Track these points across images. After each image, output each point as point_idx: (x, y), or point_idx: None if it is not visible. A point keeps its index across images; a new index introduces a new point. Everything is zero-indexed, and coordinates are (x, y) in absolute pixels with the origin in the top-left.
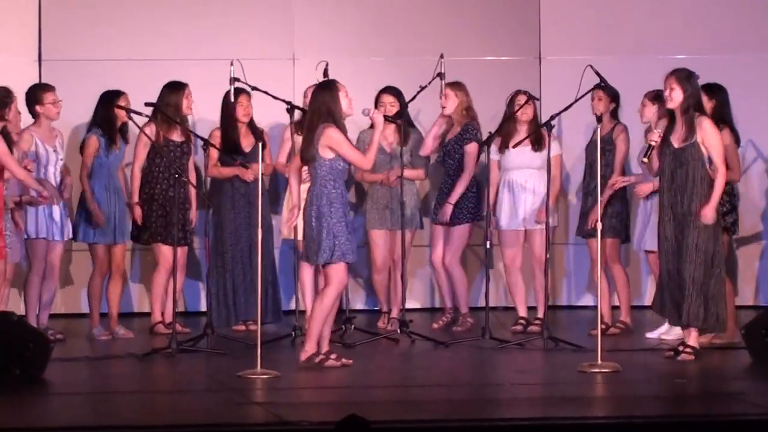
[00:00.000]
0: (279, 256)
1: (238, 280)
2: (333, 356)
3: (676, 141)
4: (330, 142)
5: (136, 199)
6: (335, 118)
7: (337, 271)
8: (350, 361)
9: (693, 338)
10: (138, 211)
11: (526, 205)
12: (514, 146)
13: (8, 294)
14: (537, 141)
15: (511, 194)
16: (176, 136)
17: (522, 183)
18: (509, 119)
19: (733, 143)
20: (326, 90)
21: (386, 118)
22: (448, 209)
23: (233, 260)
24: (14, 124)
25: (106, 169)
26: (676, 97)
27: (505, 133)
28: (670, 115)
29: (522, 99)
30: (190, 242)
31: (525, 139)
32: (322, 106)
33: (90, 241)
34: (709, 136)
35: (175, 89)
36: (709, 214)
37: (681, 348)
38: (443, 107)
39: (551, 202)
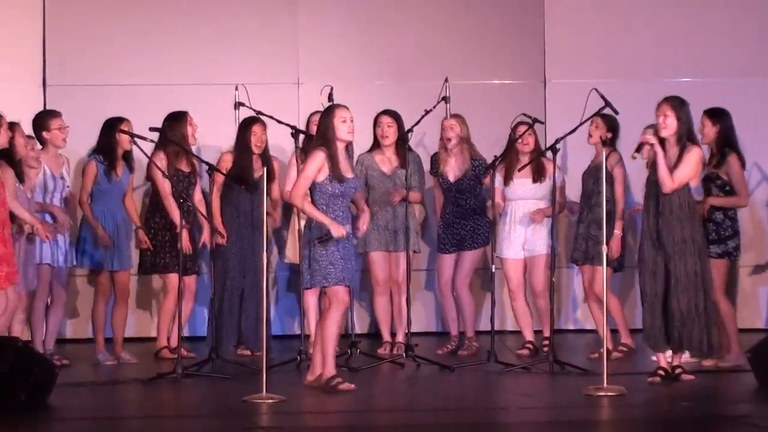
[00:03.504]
0: (283, 280)
1: (237, 306)
2: (338, 379)
3: None
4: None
5: (178, 223)
6: (325, 142)
7: (336, 292)
8: (352, 386)
9: (679, 357)
10: (185, 238)
11: (526, 235)
12: (519, 170)
13: (24, 320)
14: (538, 172)
15: (512, 224)
16: (184, 166)
17: (523, 213)
18: (511, 150)
19: (740, 168)
20: (324, 114)
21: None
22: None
23: (233, 286)
24: (2, 143)
25: (107, 196)
26: (670, 125)
27: (508, 163)
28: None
29: (522, 130)
30: (200, 271)
31: (526, 166)
32: (318, 130)
33: (91, 267)
34: (687, 160)
35: (176, 120)
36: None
37: (678, 371)
38: (448, 139)
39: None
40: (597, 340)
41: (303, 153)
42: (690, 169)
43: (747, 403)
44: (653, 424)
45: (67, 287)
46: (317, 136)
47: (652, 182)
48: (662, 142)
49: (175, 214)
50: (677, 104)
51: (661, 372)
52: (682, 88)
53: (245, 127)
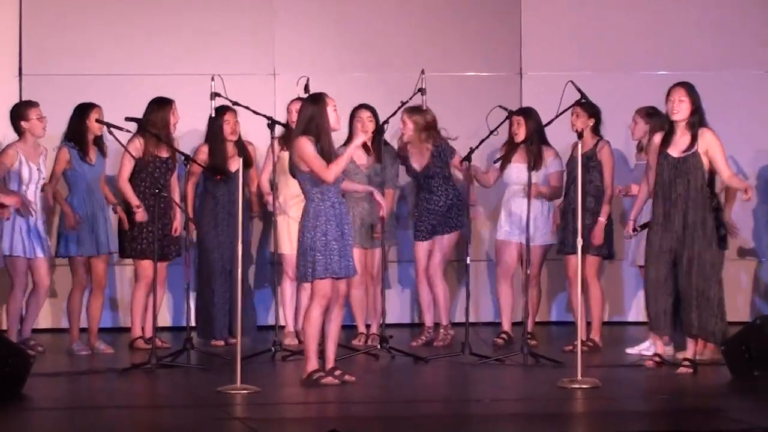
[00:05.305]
0: (260, 271)
1: (220, 296)
2: (336, 373)
3: (675, 151)
4: (297, 151)
5: (136, 202)
6: (317, 130)
7: (318, 286)
8: (353, 378)
9: (691, 350)
10: (141, 215)
11: (523, 222)
12: (495, 161)
13: None
14: (534, 161)
15: (510, 208)
16: (162, 152)
17: (520, 199)
18: (509, 140)
19: None
20: (313, 102)
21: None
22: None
23: (218, 276)
24: None
25: (83, 181)
26: (684, 109)
27: (507, 149)
28: (667, 126)
29: (516, 120)
30: (171, 257)
31: (511, 153)
32: (304, 117)
33: (70, 254)
34: (713, 146)
35: (161, 105)
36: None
37: (681, 361)
38: (402, 133)
39: (552, 216)
40: (567, 332)
41: (284, 142)
42: (721, 152)
43: (722, 397)
44: (628, 417)
45: (48, 277)
46: (303, 124)
47: (665, 167)
48: (670, 126)
49: (129, 195)
50: (692, 89)
51: (657, 358)
52: (657, 81)
53: (217, 116)
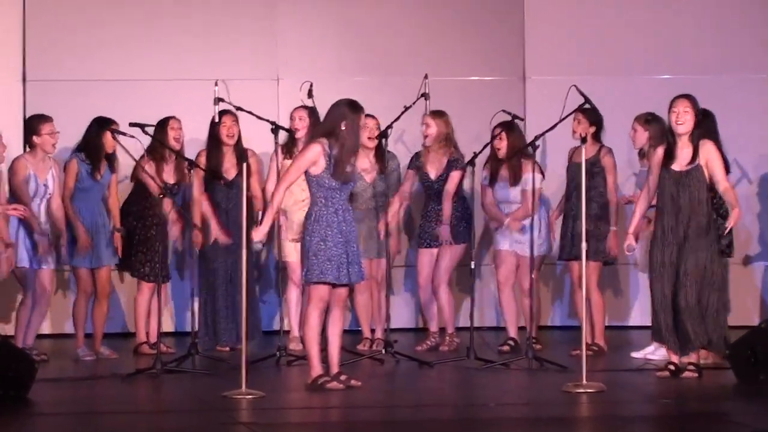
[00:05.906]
0: (265, 277)
1: (224, 302)
2: (342, 377)
3: (677, 165)
4: (304, 150)
5: (199, 223)
6: (339, 135)
7: (314, 290)
8: (359, 383)
9: (695, 355)
10: (199, 237)
11: (515, 234)
12: (497, 179)
13: None
14: (514, 176)
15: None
16: (169, 177)
17: (510, 212)
18: (492, 155)
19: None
20: (351, 110)
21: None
22: (446, 230)
23: (222, 283)
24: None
25: (89, 195)
26: (689, 121)
27: (492, 166)
28: (665, 137)
29: (496, 132)
30: (168, 277)
31: (496, 166)
32: (333, 119)
33: (73, 264)
34: (712, 156)
35: (159, 126)
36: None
37: (686, 366)
38: (425, 136)
39: (546, 226)
40: (573, 337)
41: (286, 150)
42: (719, 163)
43: (726, 401)
44: (632, 421)
45: (51, 287)
46: (329, 125)
47: (667, 181)
48: (672, 137)
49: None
50: (695, 101)
51: (671, 367)
52: (660, 85)
53: (215, 121)
